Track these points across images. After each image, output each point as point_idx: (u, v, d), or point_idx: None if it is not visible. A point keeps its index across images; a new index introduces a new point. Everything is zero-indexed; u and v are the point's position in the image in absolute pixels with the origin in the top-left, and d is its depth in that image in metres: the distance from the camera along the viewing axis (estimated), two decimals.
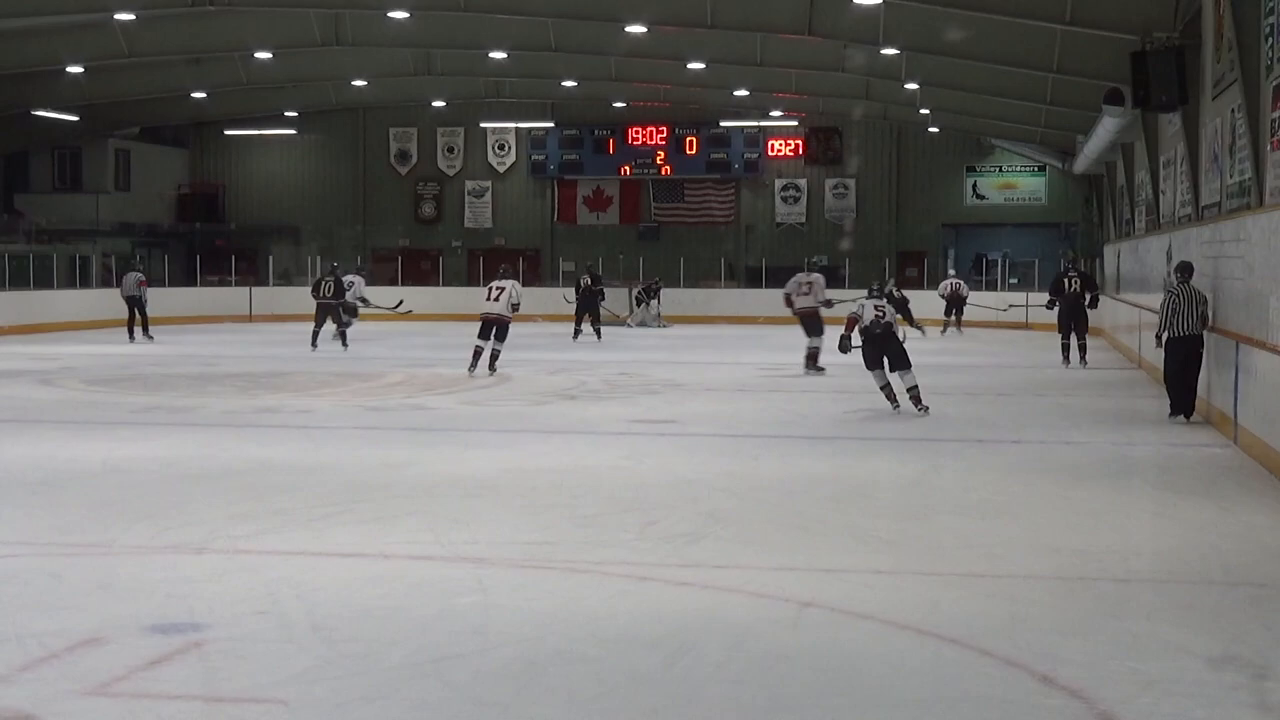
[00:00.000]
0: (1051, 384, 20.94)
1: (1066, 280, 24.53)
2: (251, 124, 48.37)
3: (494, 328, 21.31)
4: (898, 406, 16.77)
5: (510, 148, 48.53)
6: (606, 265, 41.44)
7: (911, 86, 33.78)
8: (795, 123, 46.41)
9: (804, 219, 47.07)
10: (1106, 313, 30.89)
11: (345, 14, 31.10)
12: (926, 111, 39.06)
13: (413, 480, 11.39)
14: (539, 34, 31.73)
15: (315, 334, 27.51)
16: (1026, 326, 35.79)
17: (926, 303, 35.17)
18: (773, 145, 47.11)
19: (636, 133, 47.37)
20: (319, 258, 44.54)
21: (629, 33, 29.26)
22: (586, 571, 8.11)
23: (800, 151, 47.02)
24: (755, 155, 47.07)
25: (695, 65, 34.34)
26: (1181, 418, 15.83)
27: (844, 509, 10.25)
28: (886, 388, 16.90)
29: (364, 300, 30.10)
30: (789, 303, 23.26)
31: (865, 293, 17.59)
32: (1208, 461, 12.96)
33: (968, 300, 35.58)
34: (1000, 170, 45.94)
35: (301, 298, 42.79)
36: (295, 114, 47.36)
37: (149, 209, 47.63)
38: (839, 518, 9.90)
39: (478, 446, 13.57)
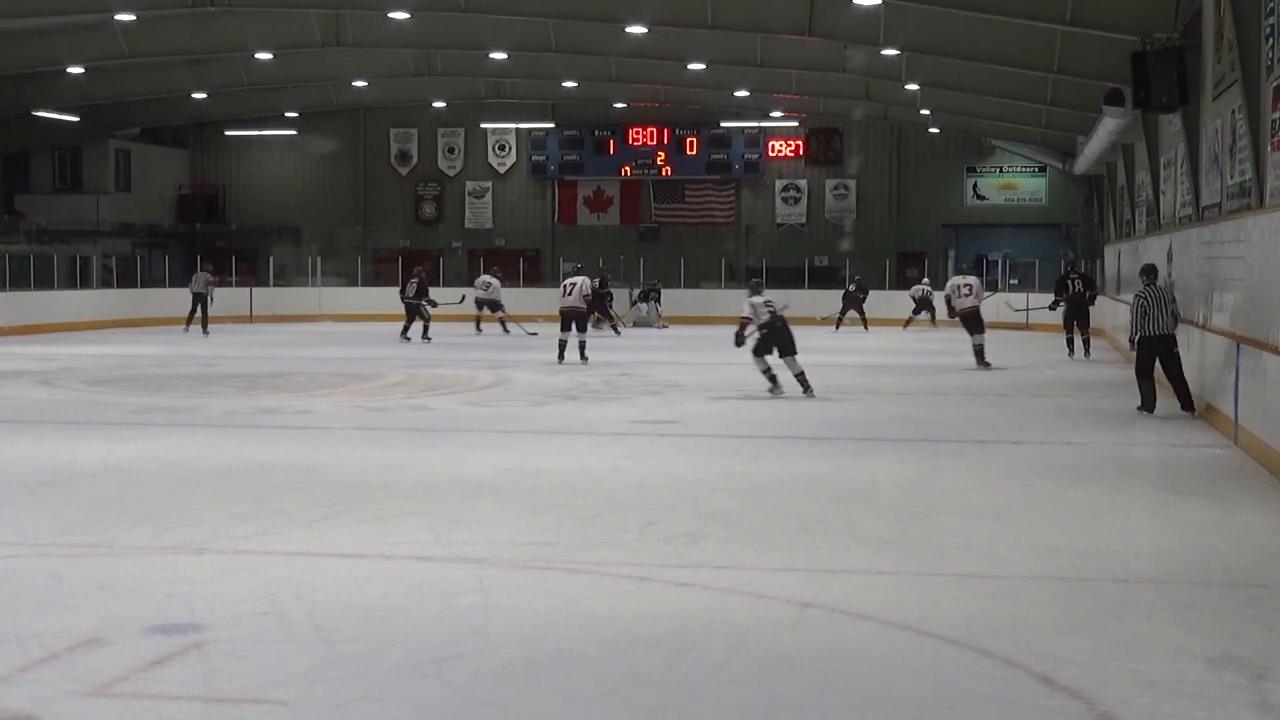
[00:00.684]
0: (1052, 384, 20.94)
1: (1070, 281, 26.31)
2: (252, 124, 48.39)
3: (573, 320, 23.93)
4: (777, 389, 18.47)
5: (511, 148, 48.54)
6: (607, 266, 41.42)
7: (912, 87, 33.79)
8: (795, 123, 46.43)
9: (804, 220, 47.08)
10: (1107, 313, 30.89)
11: (346, 14, 31.11)
12: (927, 112, 39.07)
13: (413, 481, 11.39)
14: (539, 34, 31.74)
15: (405, 328, 31.80)
16: (1027, 327, 35.84)
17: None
18: (773, 146, 47.12)
19: (637, 133, 47.37)
20: (319, 259, 44.60)
21: (629, 33, 29.29)
22: (587, 572, 8.11)
23: (800, 152, 47.04)
24: (756, 156, 47.09)
25: (695, 66, 34.36)
26: (1185, 411, 16.38)
27: (844, 509, 10.25)
28: (768, 371, 18.59)
29: (496, 303, 34.26)
30: (950, 306, 24.68)
31: (748, 291, 19.32)
32: (1208, 462, 12.95)
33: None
34: (1000, 171, 45.96)
35: (302, 297, 43.00)
36: (296, 114, 47.37)
37: (149, 209, 47.63)
38: (839, 518, 9.90)
39: (478, 447, 13.57)
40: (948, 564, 8.40)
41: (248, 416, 16.14)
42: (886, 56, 29.29)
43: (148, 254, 45.16)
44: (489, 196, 48.78)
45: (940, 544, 9.02)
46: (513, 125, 48.12)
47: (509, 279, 39.66)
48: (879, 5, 24.82)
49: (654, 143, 47.45)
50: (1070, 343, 26.21)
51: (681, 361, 25.30)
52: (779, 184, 47.24)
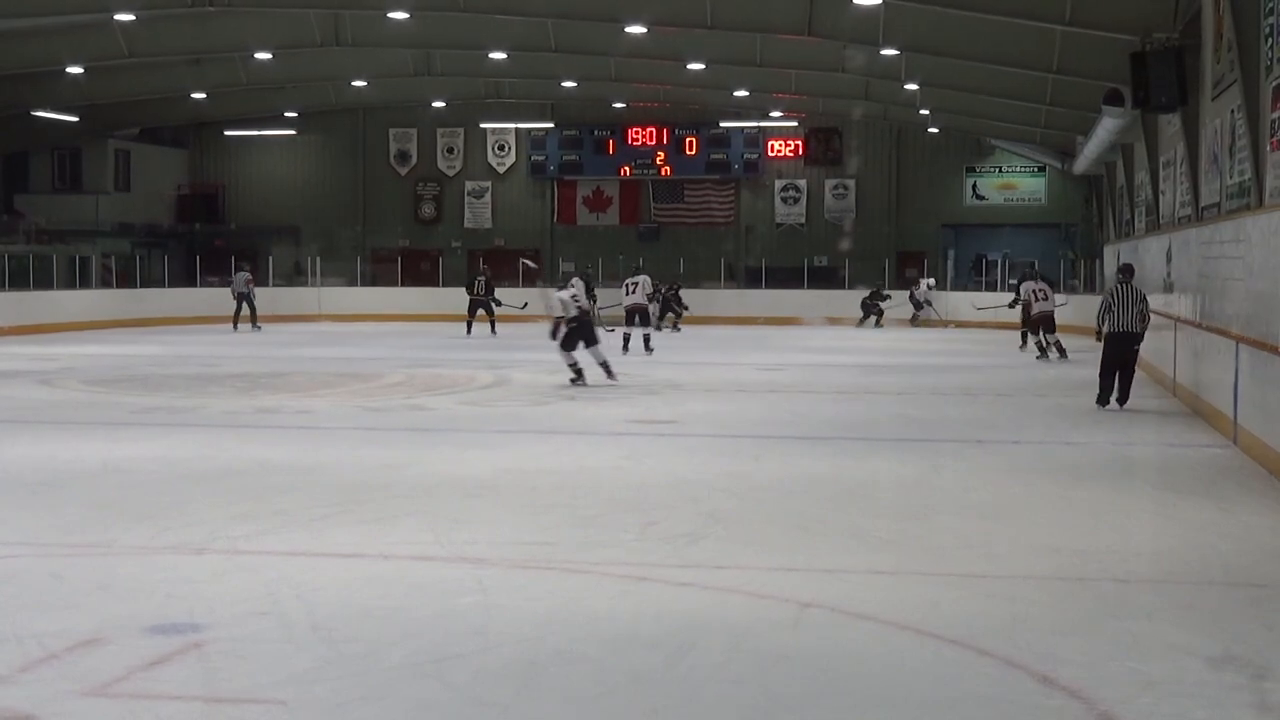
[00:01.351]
0: (1051, 384, 20.95)
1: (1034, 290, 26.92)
2: (251, 124, 48.39)
3: (636, 315, 26.59)
4: (581, 381, 19.49)
5: (510, 148, 48.54)
6: (606, 266, 41.42)
7: (911, 87, 33.80)
8: (795, 123, 46.43)
9: (804, 219, 47.08)
10: None
11: (345, 14, 31.14)
12: (926, 112, 39.08)
13: (413, 481, 11.38)
14: (539, 34, 31.76)
15: (469, 324, 34.05)
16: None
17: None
18: (772, 146, 47.12)
19: (636, 133, 47.37)
20: (319, 259, 44.59)
21: (629, 33, 29.30)
22: (586, 572, 8.11)
23: (800, 152, 47.03)
24: (755, 156, 47.08)
25: (695, 66, 34.38)
26: (1116, 405, 17.12)
27: (844, 509, 10.25)
28: (575, 365, 19.61)
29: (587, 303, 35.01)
30: (1027, 309, 26.29)
31: (558, 285, 21.10)
32: (1208, 462, 12.96)
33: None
34: (1000, 171, 45.96)
35: (302, 297, 42.99)
36: (295, 114, 47.38)
37: (149, 209, 47.62)
38: (839, 518, 9.90)
39: (478, 447, 13.56)
40: (947, 564, 8.40)
41: (247, 416, 16.14)
42: (886, 56, 29.30)
43: (147, 254, 45.14)
44: (488, 196, 48.78)
45: (940, 544, 9.02)
46: (512, 125, 48.12)
47: (508, 279, 39.66)
48: (878, 5, 24.82)
49: (653, 143, 47.44)
50: (1024, 336, 28.15)
51: (681, 361, 25.30)
52: (778, 184, 47.24)
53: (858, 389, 20.01)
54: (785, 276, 42.39)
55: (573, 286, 20.34)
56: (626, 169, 47.67)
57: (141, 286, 41.29)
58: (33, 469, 11.90)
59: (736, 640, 6.65)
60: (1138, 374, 21.63)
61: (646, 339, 26.85)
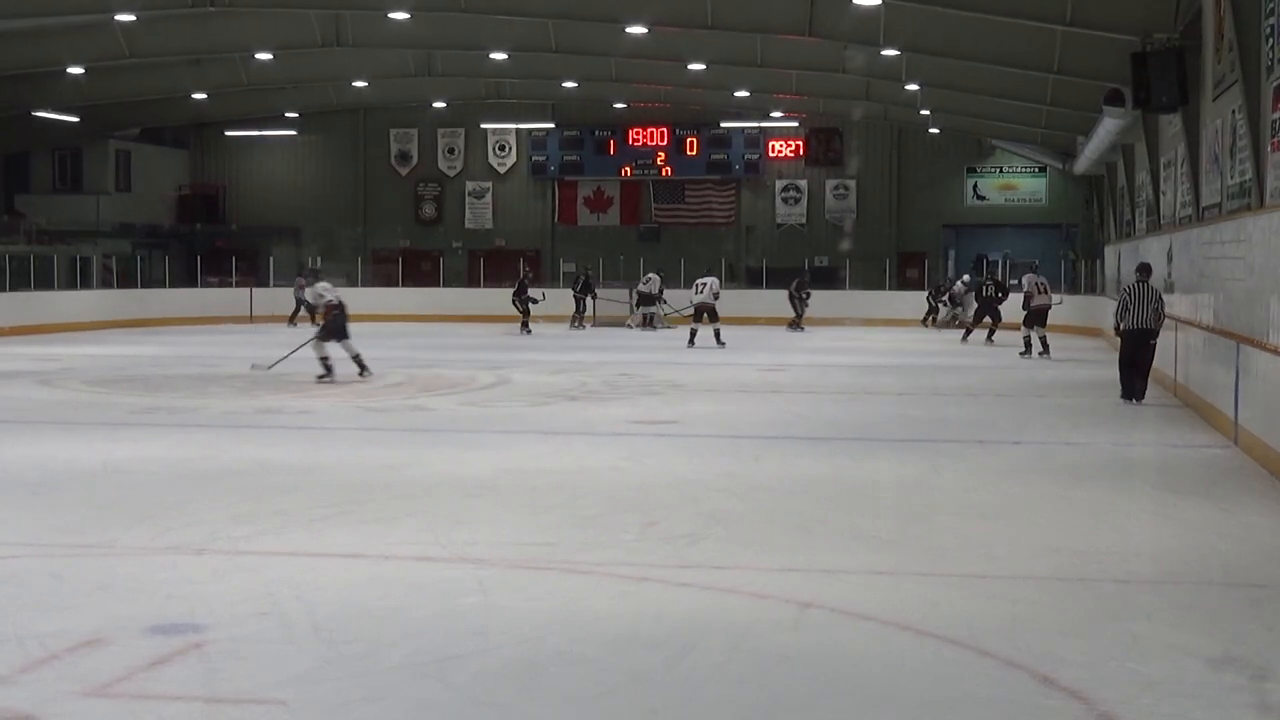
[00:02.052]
0: (1052, 385, 20.95)
1: (984, 286, 29.79)
2: (252, 125, 48.38)
3: (704, 313, 29.13)
4: (330, 377, 20.05)
5: (511, 148, 48.53)
6: (607, 267, 41.42)
7: (912, 87, 33.79)
8: (796, 124, 46.42)
9: (804, 220, 47.07)
10: (1107, 314, 30.85)
11: (346, 15, 31.13)
12: (927, 112, 39.06)
13: (413, 481, 11.39)
14: (539, 35, 31.75)
15: (573, 319, 36.93)
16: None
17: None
18: (773, 146, 47.11)
19: (637, 133, 47.36)
20: (319, 259, 44.57)
21: (629, 33, 29.29)
22: (587, 572, 8.11)
23: (801, 152, 47.02)
24: (756, 156, 47.08)
25: (695, 66, 34.37)
26: (1134, 401, 17.77)
27: (844, 510, 10.25)
28: (326, 359, 20.25)
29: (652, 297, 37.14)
30: (1029, 299, 27.07)
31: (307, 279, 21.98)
32: (1208, 462, 12.96)
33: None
34: (1001, 171, 45.95)
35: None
36: (296, 115, 47.36)
37: (150, 210, 47.62)
38: (839, 518, 9.90)
39: (478, 447, 13.57)
40: (947, 564, 8.40)
41: (248, 417, 16.14)
42: (886, 57, 29.30)
43: (148, 254, 45.15)
44: (489, 197, 48.77)
45: (940, 544, 9.02)
46: (513, 125, 48.11)
47: (508, 280, 39.73)
48: (879, 5, 24.81)
49: (654, 143, 47.43)
50: (991, 333, 30.70)
51: (681, 361, 25.30)
52: (779, 184, 47.23)
53: (858, 389, 20.00)
54: (787, 277, 42.25)
55: (324, 279, 21.18)
56: (627, 169, 47.66)
57: (142, 287, 41.31)
58: (33, 469, 11.91)
59: (737, 641, 6.66)
60: None
61: (717, 333, 28.97)
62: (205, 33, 32.54)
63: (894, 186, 46.49)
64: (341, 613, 7.09)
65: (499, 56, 34.72)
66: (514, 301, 35.31)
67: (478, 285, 44.34)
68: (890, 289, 43.00)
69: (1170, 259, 20.32)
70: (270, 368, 21.38)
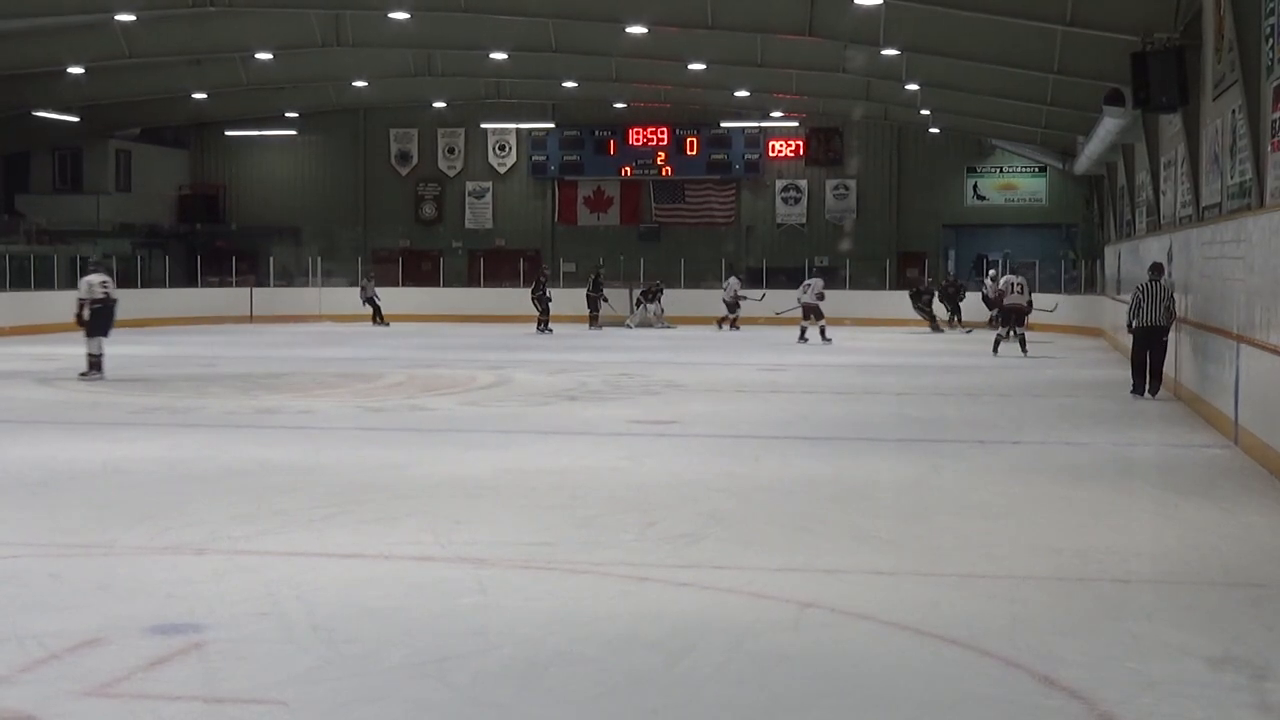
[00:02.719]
0: (1052, 385, 20.96)
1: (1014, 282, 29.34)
2: (252, 125, 48.40)
3: (810, 313, 31.26)
4: (96, 374, 20.19)
5: (511, 148, 48.54)
6: (607, 266, 41.44)
7: (912, 87, 33.79)
8: (796, 123, 46.44)
9: (804, 220, 47.08)
10: (1107, 314, 30.90)
11: (346, 15, 31.14)
12: (927, 112, 39.07)
13: (413, 481, 11.39)
14: (539, 35, 31.76)
15: (591, 320, 37.53)
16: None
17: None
18: (773, 146, 47.13)
19: (637, 133, 47.37)
20: (319, 259, 44.62)
21: (629, 33, 29.30)
22: (587, 572, 8.11)
23: (801, 152, 47.04)
24: (756, 156, 47.10)
25: (696, 66, 34.37)
26: (1148, 395, 18.39)
27: (844, 509, 10.25)
28: (98, 357, 20.26)
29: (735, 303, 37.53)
30: (999, 301, 28.89)
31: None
32: (1208, 462, 12.96)
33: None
34: (1001, 171, 45.96)
35: (302, 297, 42.97)
36: (296, 115, 47.38)
37: (150, 210, 47.64)
38: (839, 518, 9.90)
39: (478, 447, 13.57)
40: (948, 564, 8.40)
41: (248, 416, 16.14)
42: (887, 56, 29.30)
43: (148, 254, 45.17)
44: (489, 197, 48.78)
45: (940, 544, 9.02)
46: (513, 125, 48.12)
47: (509, 279, 39.83)
48: (879, 5, 24.82)
49: (654, 143, 47.45)
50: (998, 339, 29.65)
51: (681, 361, 25.30)
52: (779, 184, 47.24)
53: (858, 389, 20.01)
54: (786, 277, 42.20)
55: (97, 273, 20.92)
56: (627, 169, 47.67)
57: (142, 287, 41.31)
58: (33, 469, 11.91)
59: (737, 641, 6.65)
60: None
61: (823, 330, 31.08)
62: (205, 33, 32.56)
63: (894, 186, 46.51)
64: (341, 613, 7.09)
65: (499, 56, 34.73)
66: (534, 300, 35.64)
67: (478, 285, 44.34)
68: (890, 289, 42.94)
69: (1170, 259, 20.31)
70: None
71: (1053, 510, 10.34)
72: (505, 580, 7.92)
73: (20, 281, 36.30)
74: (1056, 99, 29.68)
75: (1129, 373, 19.06)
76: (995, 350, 27.14)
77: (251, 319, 41.40)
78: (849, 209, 46.82)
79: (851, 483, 11.53)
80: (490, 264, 45.58)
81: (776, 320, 35.20)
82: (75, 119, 42.22)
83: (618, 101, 45.03)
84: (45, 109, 40.93)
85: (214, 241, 47.46)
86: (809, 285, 31.78)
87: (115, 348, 21.48)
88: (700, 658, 6.39)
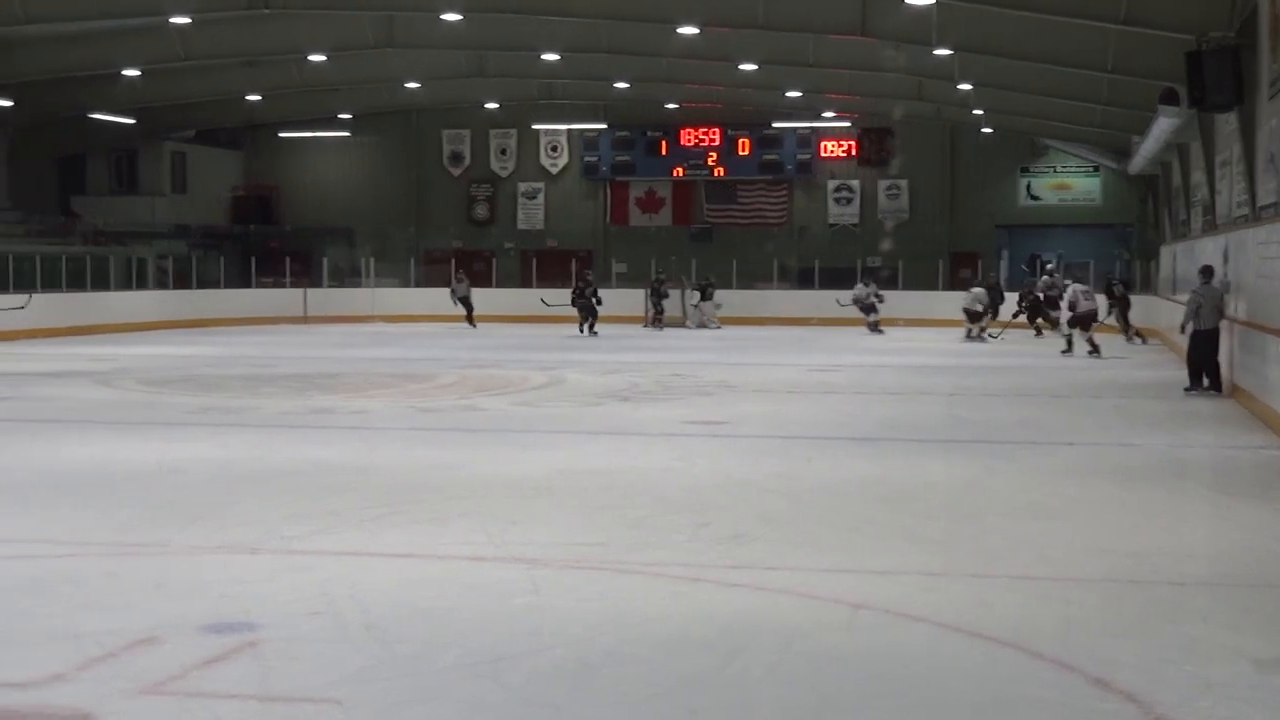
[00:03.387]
0: (1106, 385, 20.82)
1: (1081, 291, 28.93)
2: (305, 126, 48.63)
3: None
4: None
5: (562, 149, 48.59)
6: (660, 267, 41.42)
7: (964, 87, 33.64)
8: (848, 124, 46.31)
9: (857, 220, 46.94)
10: (1163, 314, 30.68)
11: (398, 16, 31.27)
12: (980, 112, 38.89)
13: (466, 481, 11.42)
14: (591, 35, 31.81)
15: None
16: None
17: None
18: (825, 146, 47.01)
19: (689, 134, 47.33)
20: (372, 259, 44.80)
21: (681, 34, 29.29)
22: (638, 573, 8.12)
23: (853, 152, 46.90)
24: (808, 156, 46.99)
25: (747, 66, 34.31)
26: (1212, 391, 18.68)
27: (895, 511, 10.22)
28: None
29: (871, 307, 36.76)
30: (1072, 306, 27.91)
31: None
32: (1264, 464, 12.86)
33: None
34: (1055, 171, 45.69)
35: (355, 298, 43.16)
36: (349, 116, 47.59)
37: (204, 211, 47.95)
38: (891, 519, 9.87)
39: (530, 447, 13.59)
40: (1000, 565, 8.37)
41: (301, 417, 16.22)
42: (939, 56, 29.19)
43: (203, 255, 45.52)
44: (541, 197, 48.85)
45: (992, 545, 8.99)
46: (564, 126, 48.17)
47: (561, 280, 39.85)
48: (931, 5, 24.72)
49: (706, 143, 47.38)
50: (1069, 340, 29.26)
51: (733, 362, 25.28)
52: (831, 184, 47.12)
53: (909, 390, 19.95)
54: (839, 277, 42.05)
55: None
56: (679, 170, 47.63)
57: (197, 288, 41.67)
58: (89, 469, 12.02)
59: (788, 642, 6.65)
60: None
61: (982, 330, 32.72)
62: (259, 35, 32.78)
63: (947, 186, 46.31)
64: (394, 612, 7.12)
65: (551, 57, 34.79)
66: (574, 304, 35.60)
67: (530, 286, 44.40)
68: (943, 289, 42.72)
69: (1226, 259, 20.17)
70: None
71: (1106, 511, 10.28)
72: (558, 581, 7.93)
73: (77, 283, 36.62)
74: (1110, 98, 29.50)
75: (1184, 373, 18.98)
76: (1070, 350, 27.22)
77: (305, 319, 41.61)
78: (901, 209, 46.66)
79: (903, 484, 11.49)
80: (543, 265, 45.62)
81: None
82: (131, 121, 42.55)
83: (669, 102, 45.01)
84: (101, 111, 41.27)
85: (268, 242, 47.70)
86: (972, 295, 33.40)
87: (170, 348, 21.65)
88: (752, 659, 6.38)
